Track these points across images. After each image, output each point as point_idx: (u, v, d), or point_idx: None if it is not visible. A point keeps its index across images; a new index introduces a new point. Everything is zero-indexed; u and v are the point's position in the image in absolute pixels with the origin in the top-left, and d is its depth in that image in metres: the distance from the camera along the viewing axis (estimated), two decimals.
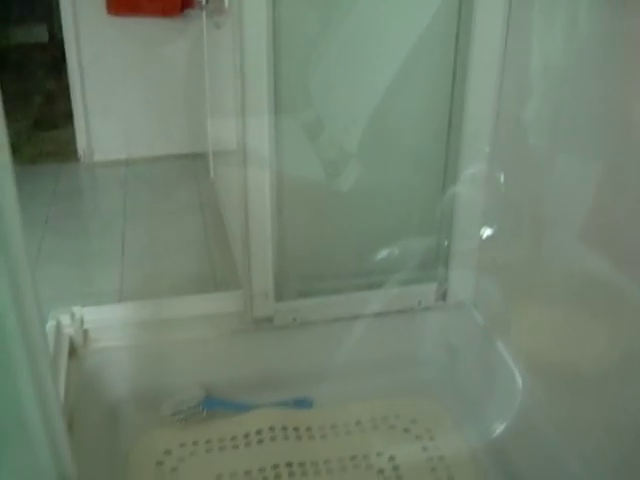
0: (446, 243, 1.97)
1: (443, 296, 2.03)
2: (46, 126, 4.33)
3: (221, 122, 2.77)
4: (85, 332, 1.91)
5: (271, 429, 1.87)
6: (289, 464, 1.77)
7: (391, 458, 1.80)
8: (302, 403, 1.97)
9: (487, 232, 1.86)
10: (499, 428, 1.73)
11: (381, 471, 1.77)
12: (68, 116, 3.99)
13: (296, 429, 1.88)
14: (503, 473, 1.74)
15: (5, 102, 0.97)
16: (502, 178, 1.77)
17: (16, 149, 1.23)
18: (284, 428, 1.88)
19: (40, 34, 5.78)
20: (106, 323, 1.92)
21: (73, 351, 1.89)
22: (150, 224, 3.10)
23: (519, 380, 1.68)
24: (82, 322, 1.90)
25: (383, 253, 1.94)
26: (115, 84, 3.78)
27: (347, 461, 1.79)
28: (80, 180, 3.80)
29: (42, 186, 3.53)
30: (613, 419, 1.40)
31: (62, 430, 1.48)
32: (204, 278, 2.60)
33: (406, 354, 2.03)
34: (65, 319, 1.89)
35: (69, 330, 1.89)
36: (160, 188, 3.52)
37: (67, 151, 3.97)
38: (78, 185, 3.74)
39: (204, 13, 3.18)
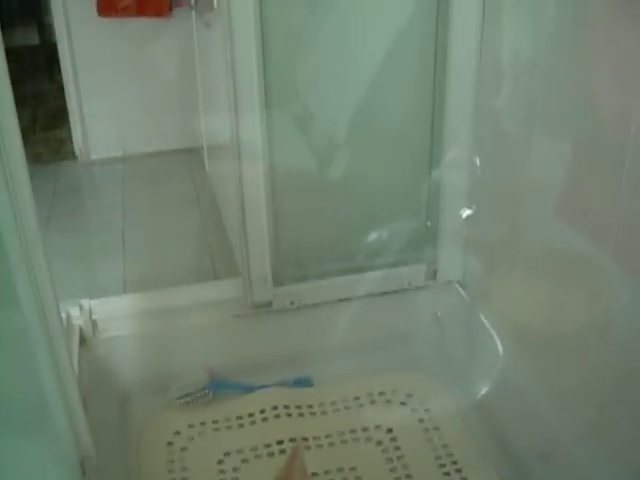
0: (432, 224, 2.06)
1: (433, 275, 2.12)
2: (42, 127, 4.40)
3: (214, 117, 2.85)
4: (94, 323, 1.99)
5: (274, 408, 1.96)
6: (292, 439, 1.87)
7: (389, 430, 1.89)
8: (302, 382, 2.06)
9: (470, 212, 1.95)
10: (485, 393, 1.83)
11: (379, 442, 1.86)
12: (63, 116, 4.06)
13: (298, 407, 1.98)
14: (493, 436, 1.84)
15: None
16: (482, 161, 1.87)
17: None
18: (286, 406, 1.97)
19: (31, 37, 5.82)
20: (113, 314, 2.01)
21: (83, 341, 1.98)
22: (149, 218, 3.18)
23: (500, 348, 1.78)
24: (90, 313, 1.99)
25: (374, 236, 2.03)
26: (108, 83, 3.84)
27: (347, 434, 1.89)
28: (78, 178, 3.87)
29: (41, 186, 3.59)
30: (591, 380, 1.49)
31: (80, 410, 1.58)
32: (203, 267, 2.68)
33: (400, 332, 2.12)
34: (74, 311, 1.98)
35: (78, 321, 1.99)
36: (157, 183, 3.59)
37: (64, 151, 4.05)
38: (77, 183, 3.82)
39: (193, 12, 3.26)
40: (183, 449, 1.87)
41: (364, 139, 1.99)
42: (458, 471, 1.77)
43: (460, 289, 2.08)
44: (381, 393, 2.02)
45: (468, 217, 1.96)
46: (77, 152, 3.98)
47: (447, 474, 1.77)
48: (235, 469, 1.80)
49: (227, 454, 1.84)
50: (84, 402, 1.67)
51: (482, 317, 1.89)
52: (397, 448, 1.84)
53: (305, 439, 1.87)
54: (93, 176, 3.91)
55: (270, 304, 2.03)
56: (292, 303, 2.04)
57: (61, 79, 3.89)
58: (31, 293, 1.46)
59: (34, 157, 4.01)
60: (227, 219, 2.80)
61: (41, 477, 1.38)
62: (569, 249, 1.52)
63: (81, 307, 1.98)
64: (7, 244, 1.39)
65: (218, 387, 2.00)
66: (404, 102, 1.98)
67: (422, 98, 1.97)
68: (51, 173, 3.78)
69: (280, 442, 1.86)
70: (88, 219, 3.39)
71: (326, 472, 1.77)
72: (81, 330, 1.99)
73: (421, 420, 1.93)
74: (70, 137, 4.00)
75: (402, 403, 1.99)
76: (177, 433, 1.92)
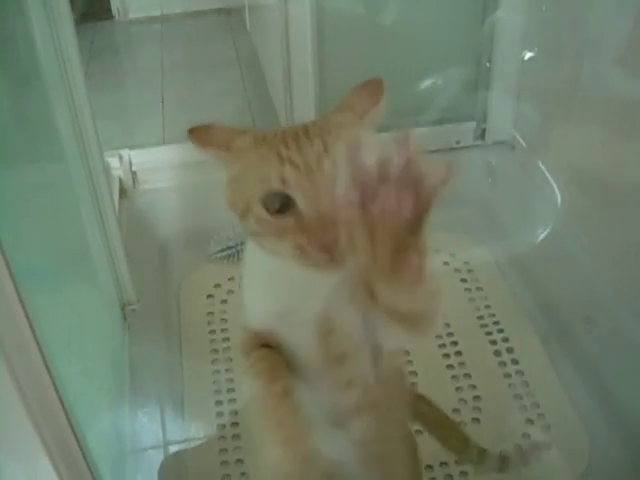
0: (488, 65, 1.98)
1: (482, 135, 2.05)
2: None
3: None
4: (134, 174, 1.97)
5: None
6: None
7: None
8: None
9: (528, 55, 1.86)
10: (532, 254, 1.80)
11: None
12: None
13: None
14: (538, 299, 1.81)
15: None
16: (544, 2, 1.76)
17: None
18: None
19: None
20: (153, 165, 1.99)
21: (123, 192, 1.97)
22: (188, 78, 3.11)
23: (558, 197, 1.73)
24: (130, 164, 1.96)
25: (424, 85, 1.95)
26: None
27: None
28: (116, 38, 3.79)
29: (79, 45, 3.51)
30: None
31: (122, 257, 1.57)
32: (244, 124, 2.63)
33: (445, 192, 2.06)
34: (114, 162, 1.95)
35: (118, 172, 1.96)
36: (196, 43, 3.50)
37: (101, 10, 3.94)
38: (115, 43, 3.74)
39: None
40: (223, 301, 1.88)
41: None
42: (500, 331, 1.76)
43: (512, 142, 2.02)
44: None
45: (528, 61, 1.87)
46: (114, 11, 3.88)
47: (489, 334, 1.76)
48: None
49: None
50: (125, 252, 1.67)
51: (540, 165, 1.82)
52: None
53: None
54: (131, 36, 3.82)
55: None
56: None
57: None
58: (75, 141, 1.44)
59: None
60: (269, 76, 2.72)
61: (87, 319, 1.40)
62: (632, 101, 1.44)
63: (121, 157, 1.95)
64: (51, 91, 1.37)
65: None
66: None
67: None
68: (88, 33, 3.69)
69: None
70: (126, 78, 3.32)
71: None
72: (121, 182, 1.97)
73: (464, 280, 1.91)
74: None
75: (445, 263, 1.96)
76: (217, 286, 1.92)
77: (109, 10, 3.89)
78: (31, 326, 0.63)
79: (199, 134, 0.80)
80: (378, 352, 0.86)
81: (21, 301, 0.62)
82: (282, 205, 0.73)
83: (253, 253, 0.85)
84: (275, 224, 0.74)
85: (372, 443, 0.94)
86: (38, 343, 0.65)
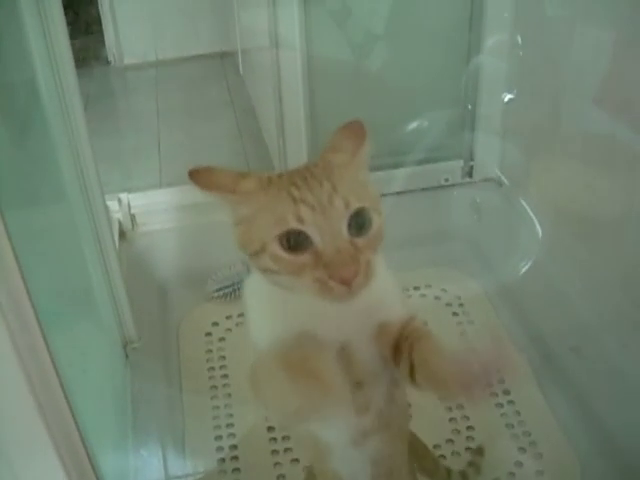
0: (471, 109, 2.05)
1: (469, 173, 2.11)
2: (74, 33, 4.35)
3: (250, 17, 2.81)
4: (132, 217, 2.02)
5: None
6: None
7: (424, 323, 1.91)
8: None
9: (509, 97, 1.93)
10: (520, 287, 1.84)
11: None
12: (96, 22, 4.02)
13: None
14: (527, 329, 1.86)
15: None
16: (523, 48, 1.83)
17: None
18: None
19: None
20: (152, 207, 2.04)
21: (122, 234, 2.01)
22: (183, 121, 3.16)
23: (539, 231, 1.78)
24: (129, 207, 2.01)
25: (411, 129, 2.01)
26: None
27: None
28: (112, 83, 3.85)
29: None
30: (627, 272, 1.50)
31: (123, 296, 1.62)
32: (239, 166, 2.68)
33: (436, 229, 2.11)
34: (113, 205, 2.00)
35: (117, 215, 2.01)
36: (191, 87, 3.56)
37: (97, 56, 4.01)
38: (110, 88, 3.80)
39: None
40: (221, 339, 1.92)
41: (402, 30, 1.96)
42: None
43: (497, 181, 2.08)
44: (416, 288, 2.04)
45: (508, 102, 1.93)
46: (110, 57, 3.94)
47: None
48: None
49: None
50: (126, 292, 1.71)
51: (523, 202, 1.88)
52: None
53: None
54: (126, 81, 3.89)
55: None
56: None
57: None
58: (77, 184, 1.49)
59: None
60: (262, 120, 2.78)
61: (90, 358, 1.43)
62: (609, 138, 1.50)
63: (120, 201, 2.00)
64: (54, 135, 1.42)
65: None
66: None
67: None
68: (84, 78, 3.69)
69: None
70: (122, 123, 3.38)
71: None
72: (120, 224, 2.02)
73: (455, 314, 1.96)
74: (103, 42, 3.96)
75: (436, 297, 2.01)
76: (215, 324, 1.96)
77: (105, 56, 3.96)
78: (53, 362, 0.68)
79: (201, 177, 0.83)
80: (392, 376, 0.93)
81: (45, 339, 0.66)
82: (299, 243, 0.78)
83: (258, 290, 0.90)
84: (292, 261, 0.78)
85: (385, 460, 0.99)
86: (59, 376, 0.69)
